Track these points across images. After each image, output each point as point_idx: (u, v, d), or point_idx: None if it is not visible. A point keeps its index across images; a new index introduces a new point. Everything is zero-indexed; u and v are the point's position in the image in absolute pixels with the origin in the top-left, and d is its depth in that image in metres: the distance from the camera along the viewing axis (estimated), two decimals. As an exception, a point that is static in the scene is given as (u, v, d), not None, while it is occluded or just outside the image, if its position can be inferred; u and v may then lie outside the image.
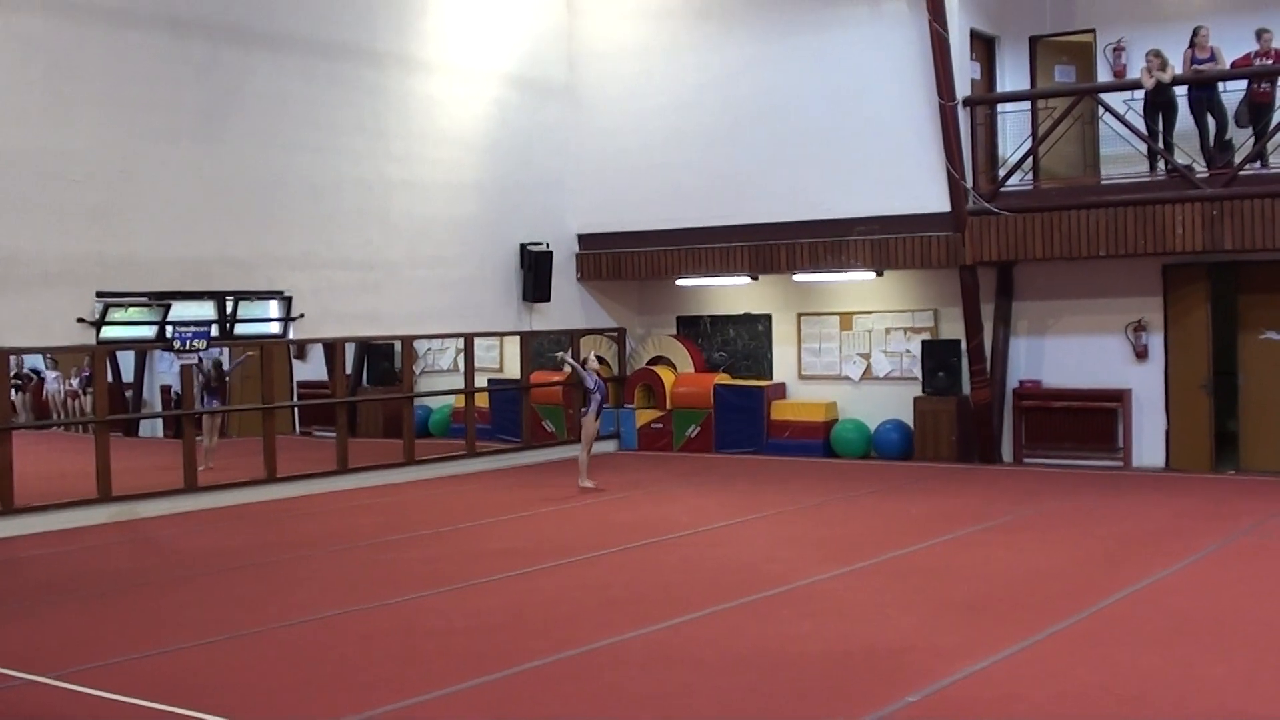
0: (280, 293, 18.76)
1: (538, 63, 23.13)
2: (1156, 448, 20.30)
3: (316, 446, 23.17)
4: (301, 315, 18.96)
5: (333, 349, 21.10)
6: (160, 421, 27.45)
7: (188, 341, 17.58)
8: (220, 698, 8.92)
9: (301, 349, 26.87)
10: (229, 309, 18.14)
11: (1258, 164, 18.71)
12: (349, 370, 24.03)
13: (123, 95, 17.14)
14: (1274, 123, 18.53)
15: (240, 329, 18.37)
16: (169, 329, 17.44)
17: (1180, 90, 19.13)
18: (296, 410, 27.33)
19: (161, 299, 17.34)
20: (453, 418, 25.32)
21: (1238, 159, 18.77)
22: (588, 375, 19.14)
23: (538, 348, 24.39)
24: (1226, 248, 18.49)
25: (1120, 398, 20.42)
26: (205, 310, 17.91)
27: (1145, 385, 20.37)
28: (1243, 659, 9.38)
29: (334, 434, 20.48)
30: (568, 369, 20.35)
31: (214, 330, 17.97)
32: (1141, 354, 20.34)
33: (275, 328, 18.82)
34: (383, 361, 26.65)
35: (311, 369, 27.32)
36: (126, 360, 27.70)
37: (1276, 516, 15.40)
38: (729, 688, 9.00)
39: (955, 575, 12.54)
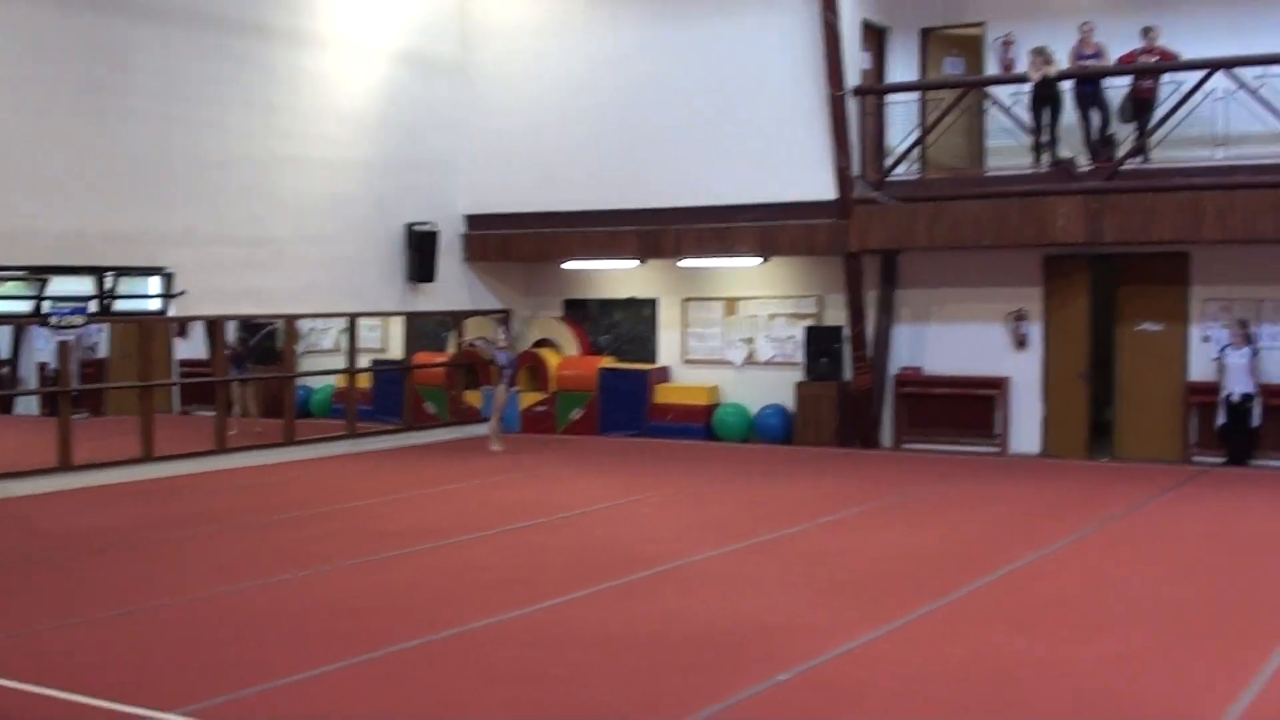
0: (162, 269, 18.52)
1: (429, 39, 22.94)
2: (1033, 435, 20.59)
3: (197, 425, 22.91)
4: (184, 292, 18.72)
5: (214, 327, 20.86)
6: (37, 399, 26.99)
7: (63, 317, 17.32)
8: (95, 679, 8.81)
9: (183, 326, 26.54)
10: (108, 285, 17.88)
11: (1139, 159, 19.01)
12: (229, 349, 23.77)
13: (5, 67, 16.84)
14: (1155, 119, 18.82)
15: (120, 305, 18.10)
16: (46, 304, 17.17)
17: (1066, 85, 19.39)
18: (177, 389, 26.98)
19: (39, 273, 17.08)
20: (334, 398, 25.10)
21: (1120, 154, 19.06)
22: (500, 354, 20.61)
23: (423, 328, 24.30)
24: (1107, 240, 18.77)
25: (999, 385, 20.70)
26: (84, 286, 17.64)
27: (1024, 374, 20.66)
28: (1109, 640, 9.55)
29: (214, 413, 20.26)
30: (482, 345, 21.62)
31: (92, 306, 17.72)
32: (1021, 343, 20.61)
33: (156, 304, 18.56)
34: (265, 340, 26.40)
35: (192, 346, 26.97)
36: (2, 336, 27.24)
37: (1147, 503, 15.67)
38: (606, 666, 9.04)
39: (831, 557, 12.66)
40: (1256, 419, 18.65)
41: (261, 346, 23.76)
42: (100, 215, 17.86)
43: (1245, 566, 12.18)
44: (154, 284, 18.41)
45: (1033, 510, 15.40)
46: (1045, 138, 19.53)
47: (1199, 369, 19.45)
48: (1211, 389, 19.06)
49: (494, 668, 9.04)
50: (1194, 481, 17.38)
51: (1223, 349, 18.86)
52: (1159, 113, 18.86)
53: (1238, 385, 18.61)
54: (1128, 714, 7.96)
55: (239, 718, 7.97)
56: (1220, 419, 18.88)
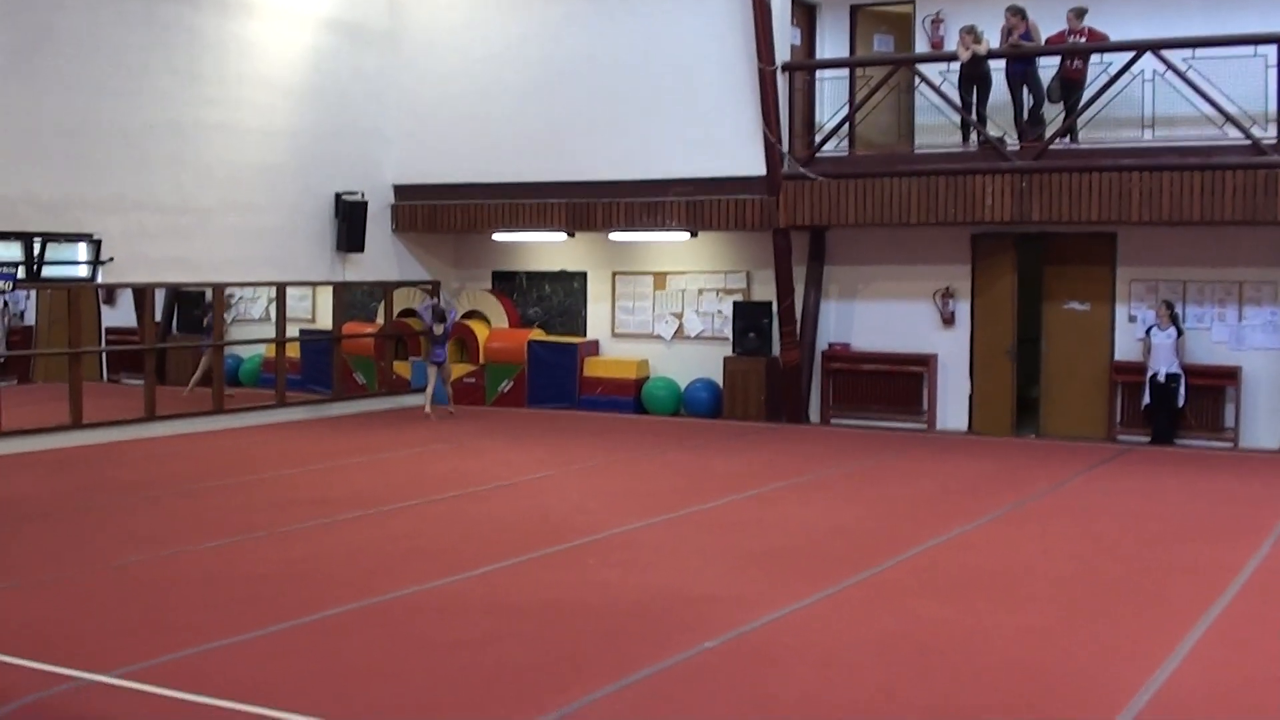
0: (89, 236, 18.36)
1: (358, 6, 22.72)
2: (960, 412, 20.75)
3: (125, 394, 22.75)
4: (111, 259, 18.55)
5: (142, 295, 20.71)
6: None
7: (-7, 280, 17.17)
8: (25, 642, 8.79)
9: (111, 294, 26.34)
10: (36, 251, 17.70)
11: (1067, 139, 19.13)
12: (158, 317, 23.62)
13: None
14: (1084, 100, 18.96)
15: (47, 271, 17.93)
16: (-28, 270, 17.01)
17: (997, 64, 19.48)
18: (105, 357, 26.78)
19: (-36, 239, 16.91)
20: (263, 367, 24.99)
21: (1048, 134, 19.19)
22: (452, 312, 21.55)
23: (352, 299, 24.21)
24: (1034, 219, 18.90)
25: (926, 362, 20.83)
26: (12, 251, 17.45)
27: (951, 351, 20.79)
28: (1032, 611, 9.67)
29: (142, 381, 20.12)
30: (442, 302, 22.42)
31: (20, 272, 17.55)
32: (948, 320, 20.75)
33: (84, 271, 18.41)
34: (193, 309, 26.22)
35: (120, 315, 26.78)
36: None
37: (1072, 480, 15.83)
38: (533, 633, 9.08)
39: (759, 529, 12.74)
40: (1181, 399, 18.85)
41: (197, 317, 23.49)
42: (26, 181, 17.69)
43: (1167, 543, 12.34)
44: (82, 251, 18.26)
45: (959, 486, 15.52)
46: (974, 117, 19.64)
47: (1125, 348, 19.64)
48: (1137, 369, 19.24)
49: (421, 634, 9.05)
50: (1118, 459, 17.57)
51: (1148, 329, 19.04)
52: (1087, 94, 18.99)
53: (1163, 365, 18.80)
54: (1051, 683, 8.06)
55: (169, 680, 7.95)
56: (1145, 398, 19.07)
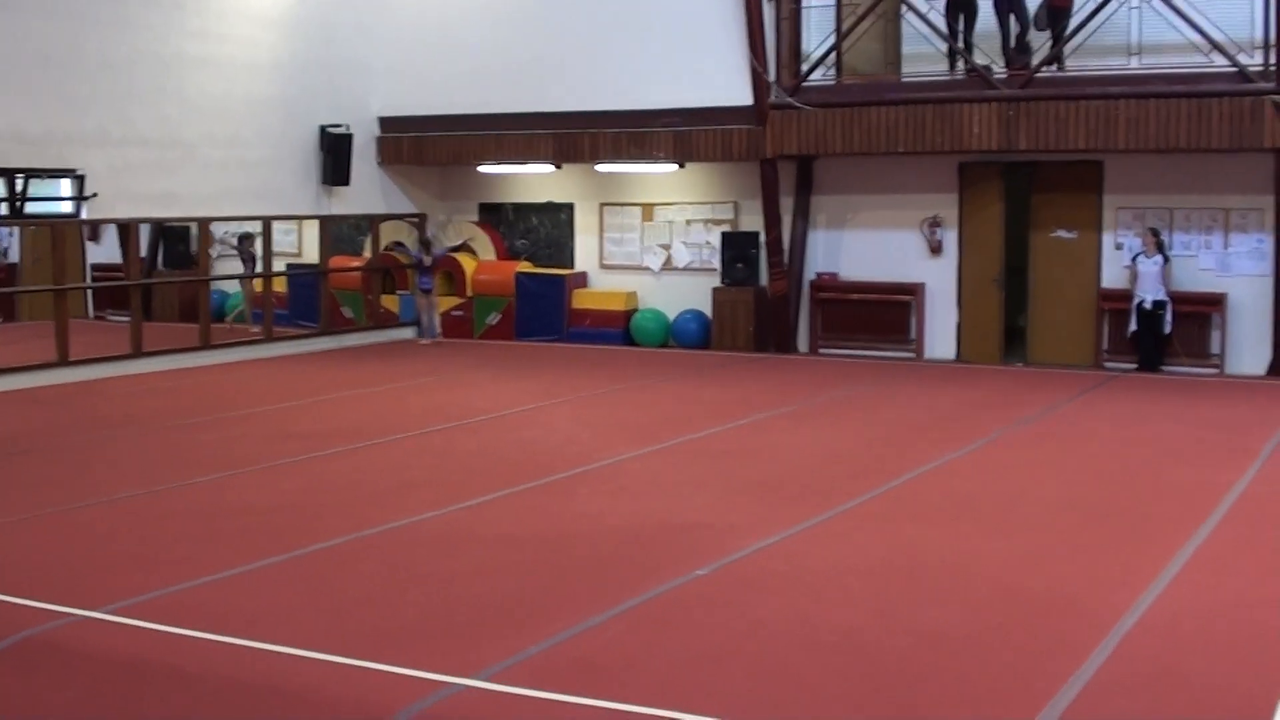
0: (73, 171, 18.28)
1: (341, -63, 22.69)
2: (948, 340, 20.78)
3: (111, 330, 22.72)
4: (95, 195, 18.48)
5: (127, 230, 20.63)
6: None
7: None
8: (15, 578, 8.80)
9: (95, 230, 26.25)
10: (19, 187, 17.63)
11: (1054, 67, 19.09)
12: (144, 253, 23.56)
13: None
14: (1070, 27, 18.89)
15: (31, 208, 17.88)
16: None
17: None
18: (90, 293, 26.70)
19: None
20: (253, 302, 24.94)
21: (1035, 62, 19.13)
22: (440, 250, 21.86)
23: (338, 232, 24.15)
24: (1021, 148, 18.90)
25: (914, 291, 20.85)
26: (-6, 187, 17.43)
27: (939, 280, 20.81)
28: (1021, 537, 9.72)
29: (129, 318, 20.07)
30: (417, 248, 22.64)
31: (3, 209, 17.49)
32: (936, 249, 20.75)
33: (67, 207, 18.34)
34: (178, 244, 26.14)
35: (105, 251, 26.70)
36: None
37: (1060, 407, 15.88)
38: (526, 563, 9.11)
39: (749, 457, 12.78)
40: (1167, 326, 18.88)
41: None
42: (8, 116, 17.60)
43: (1154, 468, 12.40)
44: (65, 186, 18.19)
45: (947, 413, 15.57)
46: (960, 45, 19.57)
47: (1112, 276, 19.66)
48: (1124, 296, 19.27)
49: (414, 566, 9.09)
50: (1105, 386, 17.61)
51: (1135, 256, 19.06)
52: (1074, 21, 18.92)
53: (1149, 292, 18.83)
54: (1040, 607, 8.10)
55: (161, 616, 7.97)
56: (1132, 325, 19.10)
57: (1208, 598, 8.32)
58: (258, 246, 22.01)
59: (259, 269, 22.10)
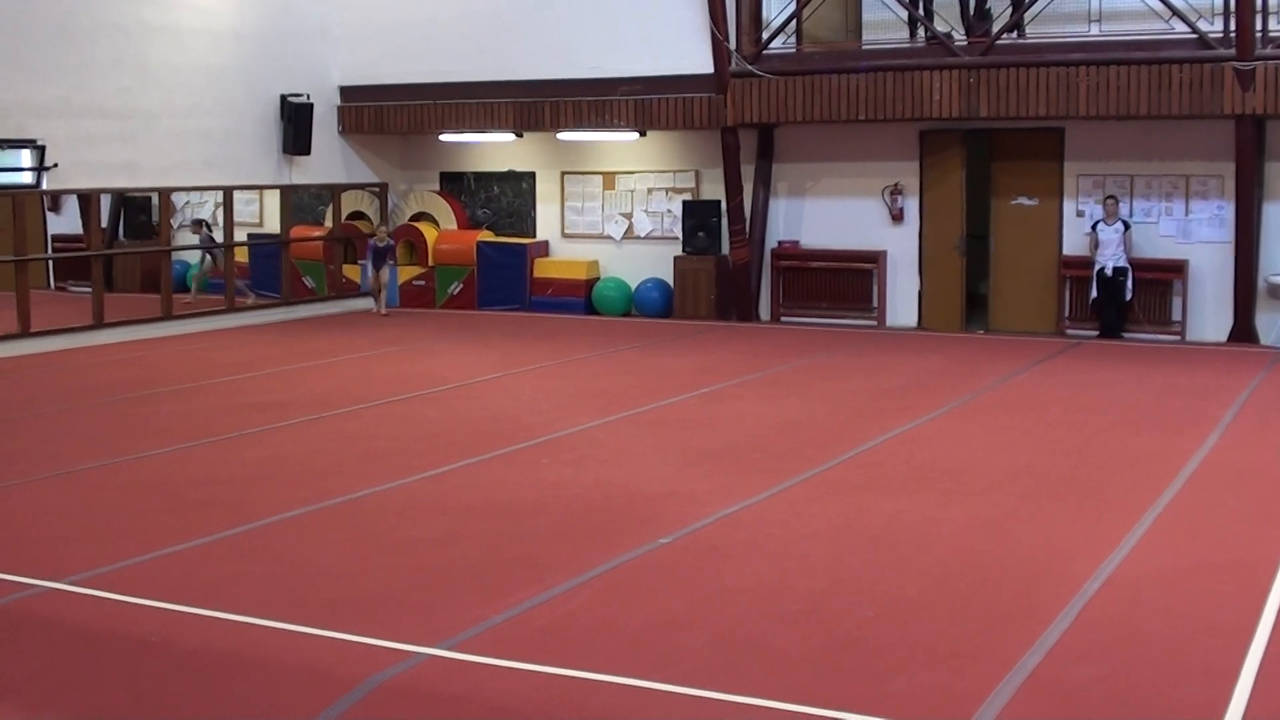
0: (33, 141, 18.14)
1: (301, -97, 22.54)
2: (910, 308, 20.82)
3: (72, 301, 22.60)
4: (55, 165, 18.36)
5: (88, 201, 20.49)
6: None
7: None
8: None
9: (56, 201, 26.08)
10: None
11: (1014, 34, 19.12)
12: (104, 223, 23.42)
13: None
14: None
15: (-9, 177, 17.77)
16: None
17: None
18: (51, 264, 26.53)
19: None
20: (210, 273, 24.83)
21: (995, 29, 19.16)
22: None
23: (300, 202, 24.05)
24: (982, 115, 18.93)
25: (876, 259, 20.87)
26: (-47, 157, 17.30)
27: (900, 247, 20.83)
28: (983, 504, 9.77)
29: (90, 289, 19.96)
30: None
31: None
32: (897, 217, 20.77)
33: (28, 178, 18.21)
34: (140, 215, 25.99)
35: (66, 222, 26.54)
36: None
37: (1019, 373, 15.95)
38: (490, 532, 9.13)
39: (711, 426, 12.80)
40: (1128, 293, 18.96)
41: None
42: (-34, 86, 17.47)
43: (1115, 434, 12.44)
44: (25, 157, 18.04)
45: (908, 381, 15.61)
46: (920, 12, 19.58)
47: (1073, 243, 19.71)
48: (1085, 263, 19.33)
49: (378, 535, 9.09)
50: (1066, 353, 17.69)
51: (1095, 224, 19.12)
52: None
53: (1110, 259, 18.89)
54: (1002, 573, 8.16)
55: (126, 587, 7.96)
56: (1093, 292, 19.18)
57: (1170, 562, 8.37)
58: (217, 235, 21.88)
59: (214, 255, 22.05)
